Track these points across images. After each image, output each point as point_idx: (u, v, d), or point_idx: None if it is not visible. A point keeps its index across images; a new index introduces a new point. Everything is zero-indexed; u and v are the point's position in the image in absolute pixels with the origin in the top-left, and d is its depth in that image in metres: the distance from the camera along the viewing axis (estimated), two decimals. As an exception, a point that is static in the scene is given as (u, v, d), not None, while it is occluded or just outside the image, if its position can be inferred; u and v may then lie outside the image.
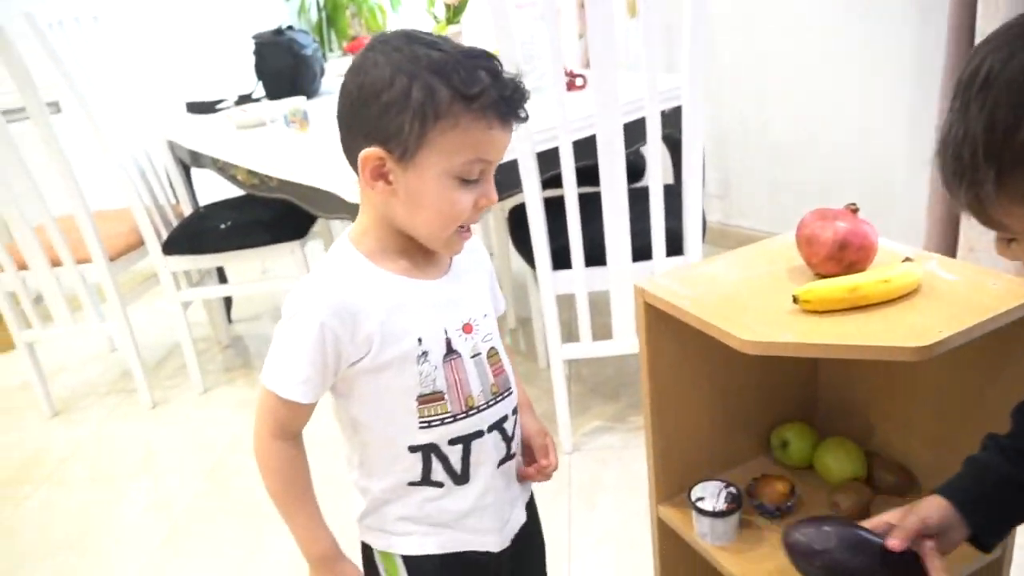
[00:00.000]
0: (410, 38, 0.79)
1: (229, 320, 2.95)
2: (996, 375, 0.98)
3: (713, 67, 2.73)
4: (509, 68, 0.80)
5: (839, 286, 0.92)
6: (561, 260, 1.80)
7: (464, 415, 0.88)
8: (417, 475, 0.89)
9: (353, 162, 0.81)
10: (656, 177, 1.76)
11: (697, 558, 1.11)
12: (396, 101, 0.76)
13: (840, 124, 2.50)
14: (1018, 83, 0.53)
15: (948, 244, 1.86)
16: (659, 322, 1.04)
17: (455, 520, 0.92)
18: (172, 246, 2.36)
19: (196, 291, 2.57)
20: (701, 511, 1.05)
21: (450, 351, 0.87)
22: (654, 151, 1.77)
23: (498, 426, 0.92)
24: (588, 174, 1.74)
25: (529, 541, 1.02)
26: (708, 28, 2.65)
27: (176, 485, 2.10)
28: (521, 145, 1.68)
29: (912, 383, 1.10)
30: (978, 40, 1.59)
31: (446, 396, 0.87)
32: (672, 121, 1.83)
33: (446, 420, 0.87)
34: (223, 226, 2.37)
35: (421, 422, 0.87)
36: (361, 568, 0.95)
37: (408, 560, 0.93)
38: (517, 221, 2.06)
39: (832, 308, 0.91)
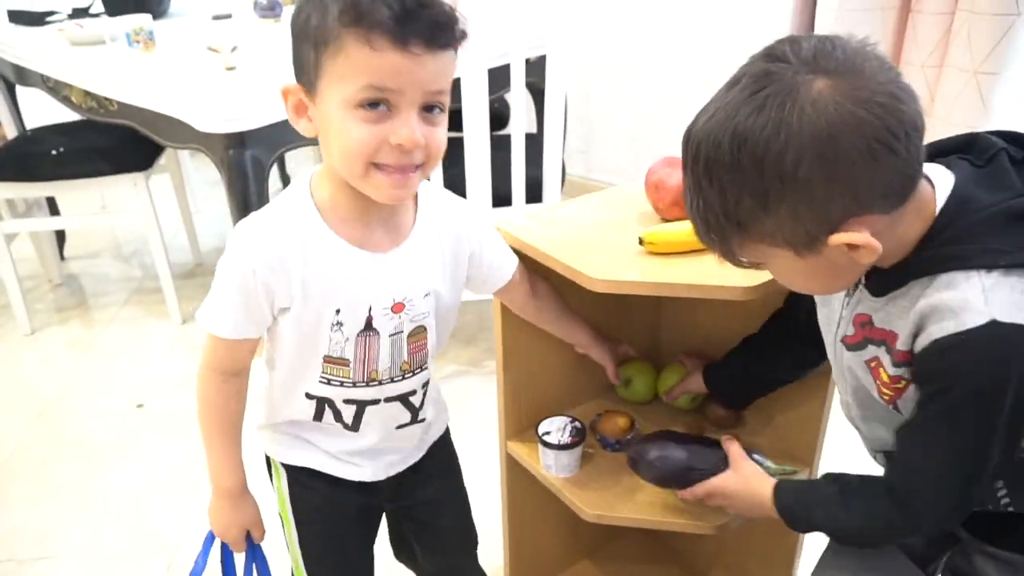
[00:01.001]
0: None
1: (62, 256, 2.73)
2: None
3: (581, 19, 2.77)
4: None
5: (682, 230, 0.97)
6: (422, 203, 1.79)
7: (364, 384, 0.89)
8: (308, 416, 0.92)
9: None
10: (519, 125, 1.77)
11: (542, 490, 1.16)
12: (301, 30, 0.73)
13: (700, 82, 2.61)
14: (726, 163, 0.65)
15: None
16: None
17: (341, 454, 0.95)
18: (-7, 171, 2.14)
19: (21, 222, 2.35)
20: (547, 444, 1.10)
21: (368, 327, 0.85)
22: (517, 98, 1.78)
23: (401, 398, 0.92)
24: (454, 119, 1.72)
25: (436, 466, 1.05)
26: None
27: (1, 430, 1.94)
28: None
29: (743, 320, 1.18)
30: (819, 7, 1.71)
31: (351, 364, 0.87)
32: (537, 70, 1.85)
33: (345, 384, 0.88)
34: (55, 152, 2.17)
35: (322, 377, 0.87)
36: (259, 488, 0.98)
37: (288, 469, 0.97)
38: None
39: (675, 251, 0.96)
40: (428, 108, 0.75)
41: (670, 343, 1.31)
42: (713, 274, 0.92)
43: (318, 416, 0.92)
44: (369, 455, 0.96)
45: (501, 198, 1.81)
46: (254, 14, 2.45)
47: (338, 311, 0.83)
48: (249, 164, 1.68)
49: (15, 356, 2.25)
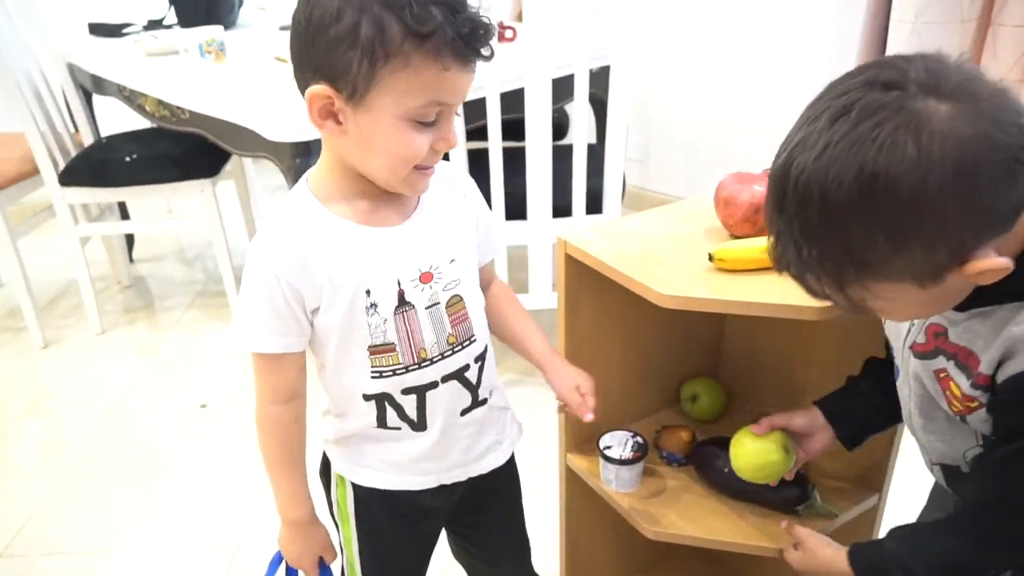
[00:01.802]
0: None
1: (131, 259, 2.82)
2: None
3: (643, 31, 2.75)
4: (471, 2, 0.75)
5: (753, 247, 0.95)
6: (482, 213, 1.80)
7: (416, 367, 0.87)
8: (373, 421, 0.90)
9: (303, 92, 0.77)
10: (580, 135, 1.77)
11: (601, 503, 1.15)
12: (344, 37, 0.70)
13: (761, 96, 2.57)
14: (853, 204, 0.60)
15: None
16: (579, 275, 1.06)
17: (410, 463, 0.93)
18: (70, 176, 2.22)
19: (95, 226, 2.44)
20: (608, 459, 1.09)
21: (402, 303, 0.84)
22: (580, 109, 1.78)
23: (457, 375, 0.90)
24: (513, 128, 1.74)
25: (495, 489, 1.02)
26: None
27: (69, 428, 2.01)
28: (448, 93, 1.65)
29: (812, 345, 1.16)
30: (892, 20, 1.67)
31: (397, 348, 0.85)
32: (599, 81, 1.84)
33: (397, 371, 0.86)
34: (128, 159, 2.25)
35: (373, 372, 0.86)
36: (323, 491, 0.99)
37: (356, 488, 0.95)
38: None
39: (745, 268, 0.95)
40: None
41: (733, 361, 1.29)
42: (783, 293, 0.90)
43: (381, 419, 0.90)
44: (439, 455, 0.93)
45: (561, 208, 1.81)
46: (319, 25, 2.50)
47: (368, 292, 0.82)
48: (314, 173, 1.71)
49: (86, 356, 2.33)
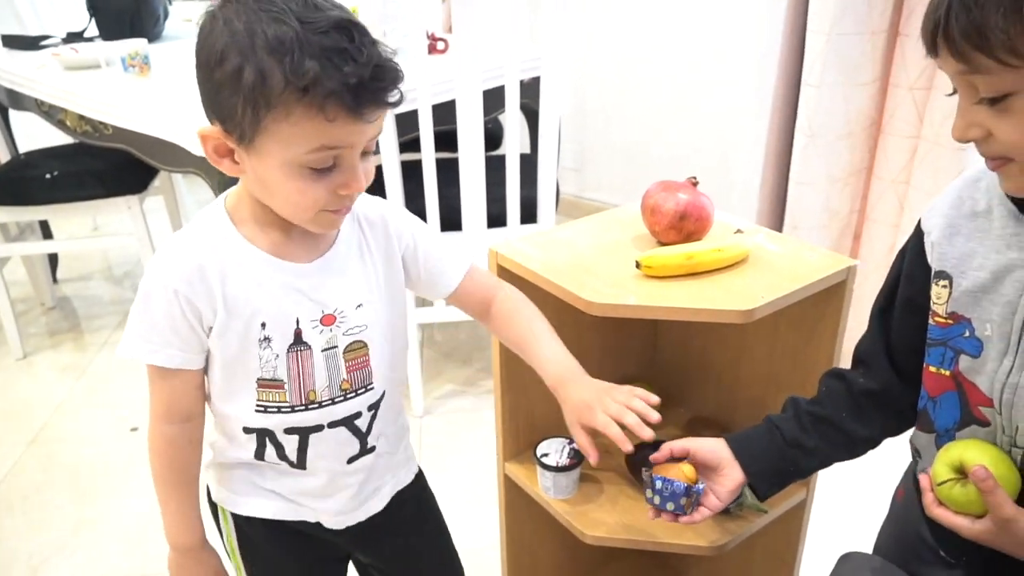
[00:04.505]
0: (260, 1, 0.68)
1: (54, 280, 2.72)
2: (810, 337, 1.08)
3: (575, 41, 2.79)
4: (380, 43, 0.70)
5: (677, 254, 0.98)
6: (417, 224, 1.80)
7: (303, 408, 0.84)
8: (251, 454, 0.87)
9: None
10: (513, 146, 1.79)
11: (541, 512, 1.16)
12: (227, 81, 0.68)
13: (692, 105, 2.64)
14: None
15: (776, 220, 2.03)
16: (512, 285, 1.07)
17: (291, 494, 0.90)
18: (-13, 195, 2.14)
19: (15, 246, 2.34)
20: (545, 466, 1.10)
21: (298, 342, 0.81)
22: (512, 120, 1.80)
23: (346, 422, 0.87)
24: (446, 139, 1.74)
25: (388, 532, 0.98)
26: (573, 1, 2.71)
27: (-9, 456, 1.93)
28: (379, 105, 1.65)
29: (739, 345, 1.20)
30: (809, 31, 1.73)
31: (286, 386, 0.82)
32: (531, 91, 1.86)
33: (283, 409, 0.83)
34: (48, 176, 2.17)
35: (258, 405, 0.83)
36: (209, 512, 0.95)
37: (236, 518, 0.92)
38: (374, 184, 2.03)
39: (670, 274, 0.97)
40: (364, 152, 0.75)
41: (666, 365, 1.32)
42: (710, 297, 0.93)
43: (259, 453, 0.86)
44: (322, 496, 0.90)
45: (495, 219, 1.82)
46: (248, 37, 2.47)
47: (264, 325, 0.79)
48: (245, 187, 1.68)
49: (7, 381, 2.24)
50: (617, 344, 1.26)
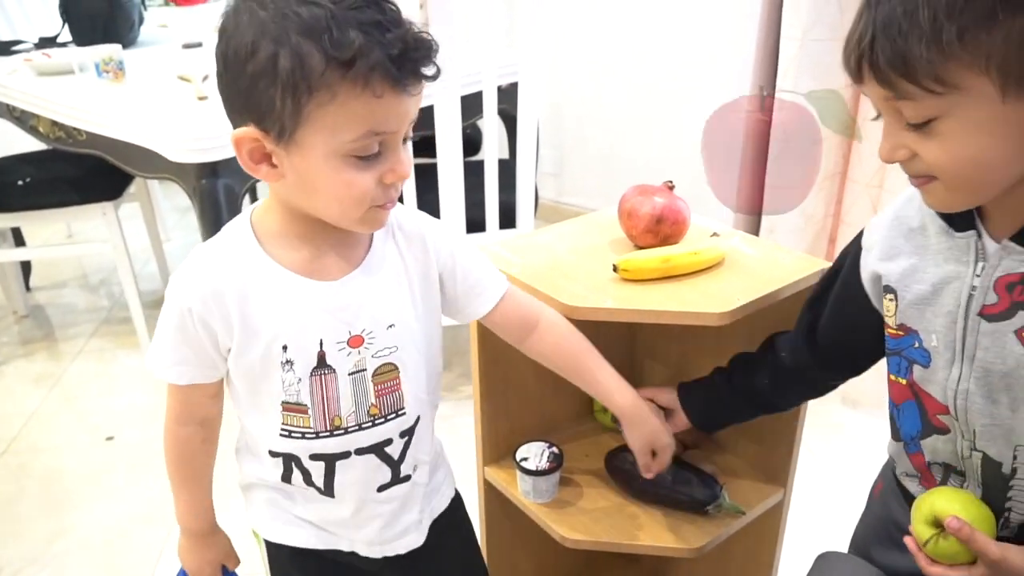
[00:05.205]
0: None
1: (27, 287, 2.68)
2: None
3: (553, 46, 2.81)
4: (409, 16, 0.68)
5: (654, 257, 0.99)
6: (396, 230, 1.80)
7: (328, 434, 0.80)
8: (277, 478, 0.84)
9: None
10: (491, 151, 1.79)
11: (521, 516, 1.16)
12: (262, 72, 0.64)
13: (671, 110, 2.65)
14: None
15: (752, 224, 2.05)
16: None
17: (322, 522, 0.87)
18: (-43, 202, 2.10)
19: (-13, 254, 2.31)
20: (524, 470, 1.10)
21: (322, 365, 0.77)
22: (490, 125, 1.80)
23: (375, 449, 0.82)
24: (424, 145, 1.74)
25: (428, 561, 0.93)
26: (550, 6, 2.72)
27: (-38, 467, 1.89)
28: (357, 111, 1.65)
29: (716, 348, 1.20)
30: (783, 36, 1.76)
31: (310, 411, 0.78)
32: (509, 96, 1.87)
33: (307, 435, 0.79)
34: (21, 182, 2.15)
35: (282, 429, 0.79)
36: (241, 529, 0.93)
37: (268, 544, 0.90)
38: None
39: (647, 277, 0.98)
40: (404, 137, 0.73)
41: (644, 368, 1.32)
42: (687, 300, 0.94)
43: (286, 477, 0.83)
44: (353, 525, 0.86)
45: (475, 224, 1.82)
46: (225, 43, 2.45)
47: (285, 347, 0.75)
48: (222, 193, 1.67)
49: (-21, 390, 2.21)
50: (596, 347, 1.26)
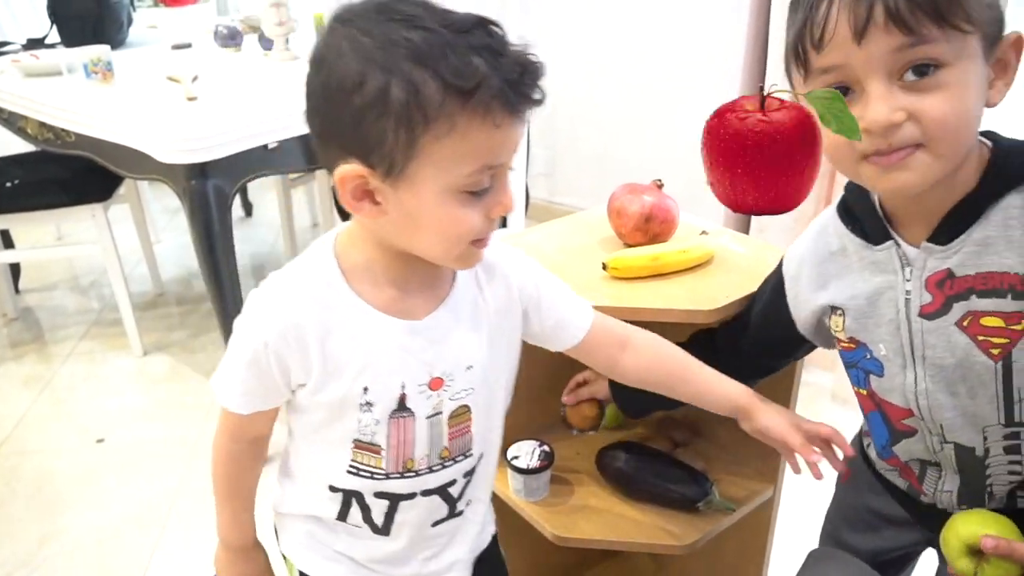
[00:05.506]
0: (382, 12, 0.61)
1: (16, 290, 2.67)
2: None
3: (544, 47, 2.80)
4: (513, 37, 0.64)
5: (643, 255, 0.99)
6: (387, 230, 1.80)
7: (398, 476, 0.76)
8: (332, 514, 0.80)
9: (331, 171, 0.66)
10: (482, 151, 1.79)
11: (512, 514, 1.16)
12: (372, 104, 0.60)
13: (662, 110, 2.66)
14: None
15: (743, 223, 2.06)
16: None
17: (367, 560, 0.83)
18: (-55, 204, 2.09)
19: (-25, 256, 2.30)
20: (516, 469, 1.10)
21: (402, 408, 0.73)
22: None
23: (440, 491, 0.79)
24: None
25: None
26: (541, 6, 2.73)
27: (-49, 471, 1.89)
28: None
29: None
30: (772, 44, 1.76)
31: (383, 453, 0.75)
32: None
33: (376, 475, 0.76)
34: (10, 184, 2.14)
35: (350, 467, 0.76)
36: (271, 550, 0.90)
37: (302, 573, 0.86)
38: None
39: (637, 275, 0.98)
40: None
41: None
42: (675, 298, 0.94)
43: (343, 515, 0.79)
44: (399, 562, 0.83)
45: (466, 224, 1.83)
46: (214, 43, 2.45)
47: (366, 389, 0.71)
48: (212, 194, 1.67)
49: (-32, 393, 2.20)
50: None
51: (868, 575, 0.88)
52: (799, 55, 0.67)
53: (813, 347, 0.91)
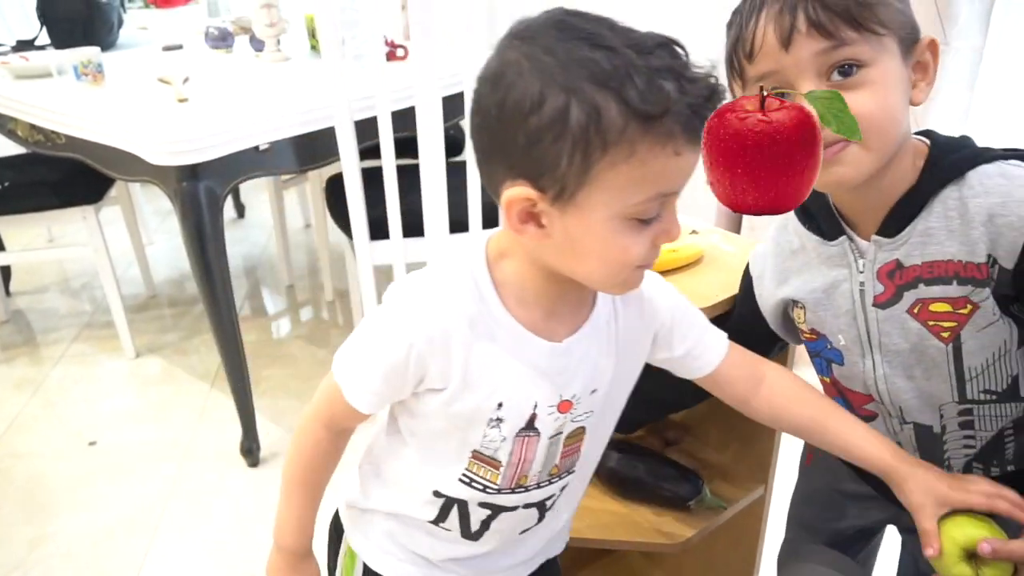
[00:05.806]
0: (563, 30, 0.59)
1: (7, 292, 2.66)
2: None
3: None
4: (695, 60, 0.60)
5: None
6: (379, 231, 1.80)
7: (509, 491, 0.76)
8: (427, 517, 0.79)
9: (494, 190, 0.64)
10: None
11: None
12: (549, 125, 0.57)
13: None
14: None
15: (734, 222, 2.07)
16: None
17: (441, 561, 0.83)
18: (-65, 207, 2.08)
19: (-34, 259, 2.29)
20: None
21: (530, 427, 0.72)
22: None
23: (540, 504, 0.79)
24: (407, 146, 1.74)
25: None
26: (531, 6, 2.73)
27: (-58, 474, 1.88)
28: (340, 113, 1.65)
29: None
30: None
31: (502, 469, 0.74)
32: (490, 97, 1.87)
33: (489, 489, 0.75)
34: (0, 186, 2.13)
35: (463, 475, 0.74)
36: (326, 537, 0.89)
37: (368, 571, 0.85)
38: (335, 191, 2.02)
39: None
40: None
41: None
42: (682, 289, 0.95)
43: (440, 519, 0.78)
44: (475, 563, 0.83)
45: (457, 224, 1.83)
46: (205, 45, 2.45)
47: (500, 405, 0.70)
48: (203, 196, 1.66)
49: (-41, 397, 2.19)
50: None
51: (839, 560, 0.91)
52: (734, 67, 0.73)
53: (786, 344, 0.95)
